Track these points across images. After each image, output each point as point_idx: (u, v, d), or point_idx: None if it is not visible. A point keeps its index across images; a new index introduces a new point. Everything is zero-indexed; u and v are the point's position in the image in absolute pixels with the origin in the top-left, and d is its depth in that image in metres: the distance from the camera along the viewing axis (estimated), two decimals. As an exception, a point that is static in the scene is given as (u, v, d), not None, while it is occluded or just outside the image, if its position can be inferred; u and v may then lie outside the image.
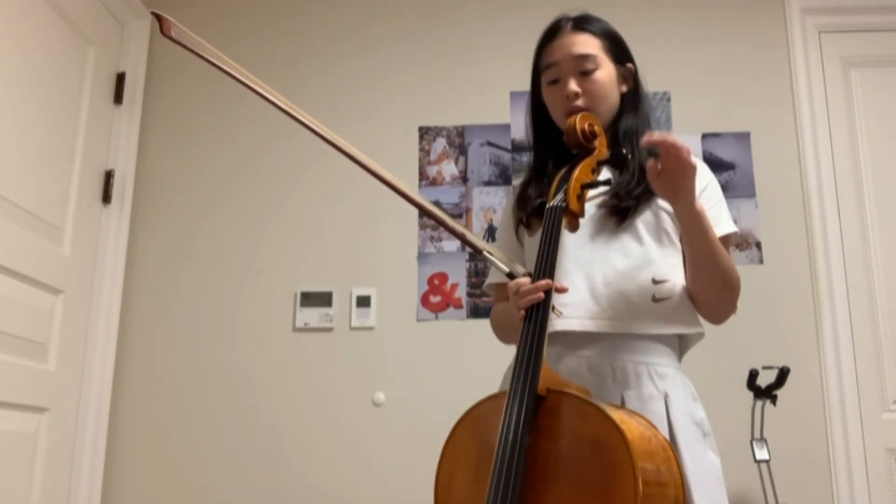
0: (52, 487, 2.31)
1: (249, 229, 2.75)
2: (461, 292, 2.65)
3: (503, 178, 2.76)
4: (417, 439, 2.50)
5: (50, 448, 2.30)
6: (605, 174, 1.41)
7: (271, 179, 2.79)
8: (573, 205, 1.26)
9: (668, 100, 2.80)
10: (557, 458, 1.07)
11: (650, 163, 1.23)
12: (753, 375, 2.31)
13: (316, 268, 2.70)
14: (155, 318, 2.68)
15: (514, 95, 2.80)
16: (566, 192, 1.27)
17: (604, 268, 1.34)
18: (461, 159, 2.79)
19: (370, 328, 2.64)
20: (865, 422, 2.52)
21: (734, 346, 2.46)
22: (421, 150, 2.80)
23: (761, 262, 2.65)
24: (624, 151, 1.30)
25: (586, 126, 1.32)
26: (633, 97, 1.46)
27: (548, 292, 1.19)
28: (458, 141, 2.80)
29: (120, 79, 2.74)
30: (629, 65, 1.46)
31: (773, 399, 2.30)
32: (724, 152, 2.75)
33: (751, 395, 2.31)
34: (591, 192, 1.32)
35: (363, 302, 2.64)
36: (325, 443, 2.55)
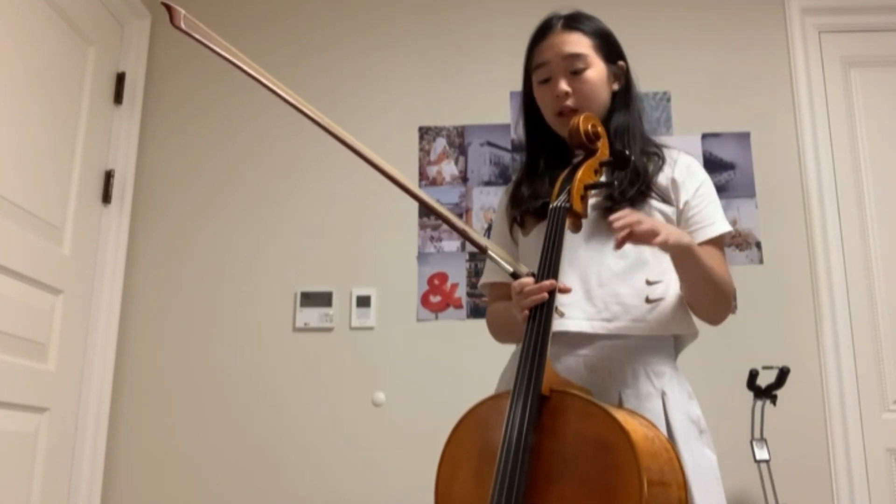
0: (52, 487, 2.31)
1: (249, 229, 2.75)
2: (461, 292, 2.65)
3: (503, 178, 2.76)
4: (417, 439, 2.50)
5: (50, 448, 2.30)
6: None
7: (271, 179, 2.79)
8: (577, 206, 1.27)
9: (668, 100, 2.80)
10: (561, 458, 1.07)
11: (617, 237, 1.19)
12: (753, 375, 2.31)
13: (316, 268, 2.69)
14: (155, 318, 2.68)
15: (514, 95, 2.79)
16: (570, 193, 1.27)
17: (598, 269, 1.34)
18: (461, 159, 2.79)
19: (370, 328, 2.64)
20: (865, 422, 2.52)
21: (734, 346, 2.46)
22: (421, 150, 2.80)
23: (761, 262, 2.64)
24: (627, 153, 1.30)
25: (589, 127, 1.32)
26: (624, 95, 1.46)
27: (552, 293, 1.19)
28: (458, 141, 2.80)
29: (120, 79, 2.74)
30: (620, 63, 1.46)
31: (773, 399, 2.30)
32: (723, 152, 2.75)
33: (751, 395, 2.31)
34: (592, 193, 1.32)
35: (363, 302, 2.64)
36: (325, 443, 2.55)
